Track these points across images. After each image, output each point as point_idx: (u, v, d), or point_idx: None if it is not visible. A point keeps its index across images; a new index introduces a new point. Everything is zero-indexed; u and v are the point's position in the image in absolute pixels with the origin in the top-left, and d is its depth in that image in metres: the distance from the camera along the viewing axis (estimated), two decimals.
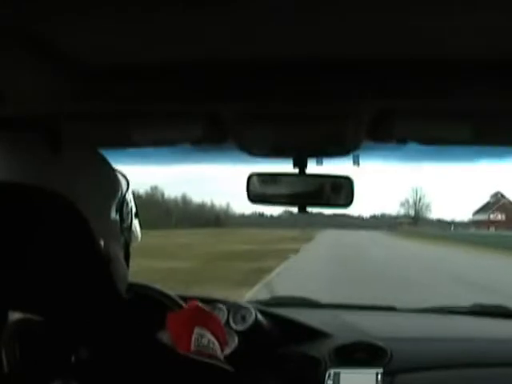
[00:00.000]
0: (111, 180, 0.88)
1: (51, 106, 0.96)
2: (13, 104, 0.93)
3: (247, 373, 1.44)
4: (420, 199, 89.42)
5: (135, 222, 0.96)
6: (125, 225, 0.90)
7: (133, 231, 0.95)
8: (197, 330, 0.96)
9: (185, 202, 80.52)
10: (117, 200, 0.88)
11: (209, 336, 0.97)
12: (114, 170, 0.90)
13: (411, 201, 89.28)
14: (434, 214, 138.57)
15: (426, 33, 0.76)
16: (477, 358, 1.56)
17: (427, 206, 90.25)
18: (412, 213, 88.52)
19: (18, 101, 0.93)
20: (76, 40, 0.79)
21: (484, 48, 0.82)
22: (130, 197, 0.93)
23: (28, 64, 0.83)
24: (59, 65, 0.84)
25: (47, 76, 0.88)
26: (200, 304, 1.04)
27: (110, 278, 0.80)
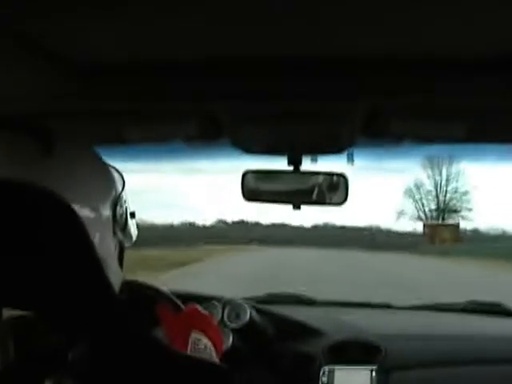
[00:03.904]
0: (105, 179, 0.87)
1: (48, 104, 0.96)
2: (11, 103, 0.92)
3: (242, 370, 1.44)
4: (447, 183, 34.15)
5: (131, 223, 0.94)
6: (118, 226, 0.88)
7: (127, 232, 0.93)
8: (193, 335, 0.96)
9: None
10: (111, 199, 0.86)
11: (205, 341, 0.97)
12: (108, 169, 0.89)
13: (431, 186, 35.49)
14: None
15: (423, 32, 0.77)
16: (471, 356, 1.56)
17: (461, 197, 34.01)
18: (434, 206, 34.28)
19: (15, 100, 0.93)
20: (73, 39, 0.79)
21: (481, 46, 0.82)
22: (124, 197, 0.91)
23: (27, 64, 0.83)
24: (56, 64, 0.84)
25: (43, 75, 0.88)
26: (198, 307, 1.04)
27: (103, 277, 0.80)
